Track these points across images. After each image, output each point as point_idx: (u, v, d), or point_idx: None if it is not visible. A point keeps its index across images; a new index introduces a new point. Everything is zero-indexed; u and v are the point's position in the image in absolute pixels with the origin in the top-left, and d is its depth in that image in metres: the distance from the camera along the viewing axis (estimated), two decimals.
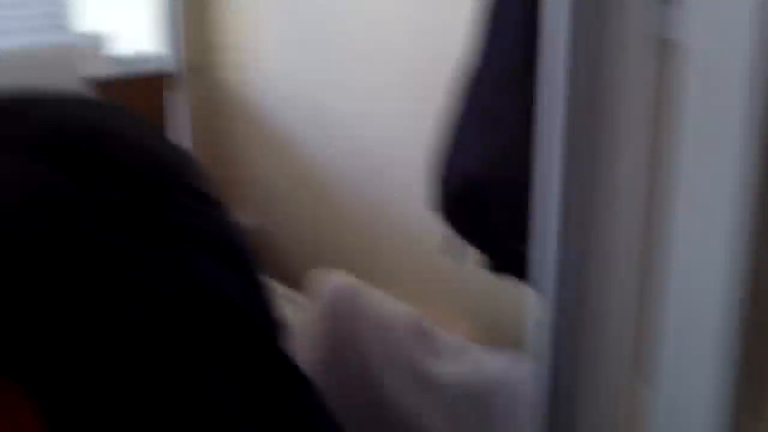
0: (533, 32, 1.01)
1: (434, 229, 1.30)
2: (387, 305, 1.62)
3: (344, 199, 1.92)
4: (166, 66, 2.09)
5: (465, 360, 1.52)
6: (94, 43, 1.91)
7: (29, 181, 0.67)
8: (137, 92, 2.03)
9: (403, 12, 1.65)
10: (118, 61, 1.97)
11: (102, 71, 1.92)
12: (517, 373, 1.41)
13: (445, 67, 1.30)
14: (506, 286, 1.29)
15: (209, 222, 0.74)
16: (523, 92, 1.03)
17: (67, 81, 1.83)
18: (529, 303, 1.11)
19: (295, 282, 1.83)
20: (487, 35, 1.13)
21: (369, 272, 1.77)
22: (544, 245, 0.93)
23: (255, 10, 2.03)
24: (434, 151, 1.23)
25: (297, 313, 1.65)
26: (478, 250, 1.24)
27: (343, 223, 1.93)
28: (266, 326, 0.68)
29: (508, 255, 1.17)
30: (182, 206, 0.75)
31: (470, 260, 1.27)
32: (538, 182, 0.94)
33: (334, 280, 1.65)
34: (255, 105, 2.07)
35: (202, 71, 2.13)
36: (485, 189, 1.15)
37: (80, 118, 0.77)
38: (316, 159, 1.95)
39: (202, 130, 2.16)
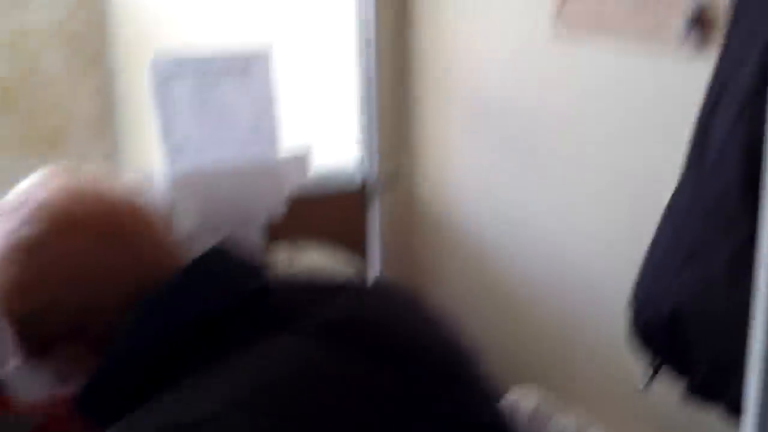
0: (752, 156, 0.97)
1: (632, 352, 1.26)
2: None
3: (538, 316, 1.89)
4: (362, 180, 2.18)
5: None
6: (296, 159, 2.02)
7: (338, 372, 0.79)
8: (335, 206, 2.12)
9: (606, 126, 1.64)
10: (318, 176, 2.07)
11: (303, 186, 2.02)
12: None
13: (651, 185, 1.27)
14: (710, 420, 1.22)
15: (482, 414, 0.85)
16: (739, 222, 0.99)
17: (271, 196, 1.93)
18: None
19: None
20: (696, 156, 1.10)
21: (563, 390, 1.72)
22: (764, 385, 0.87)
23: (450, 123, 2.09)
24: (636, 274, 1.20)
25: None
26: (681, 381, 1.18)
27: (537, 339, 1.90)
28: None
29: (714, 388, 1.12)
30: (460, 399, 0.86)
31: (670, 390, 1.22)
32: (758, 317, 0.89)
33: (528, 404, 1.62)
34: (449, 218, 2.10)
35: (397, 184, 2.19)
36: (688, 321, 1.10)
37: (373, 310, 0.91)
38: (509, 273, 1.94)
39: (396, 243, 2.21)
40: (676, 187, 1.14)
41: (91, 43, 3.38)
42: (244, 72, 1.96)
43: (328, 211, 2.08)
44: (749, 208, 0.95)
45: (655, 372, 1.21)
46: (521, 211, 1.89)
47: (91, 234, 0.92)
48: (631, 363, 1.30)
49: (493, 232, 1.98)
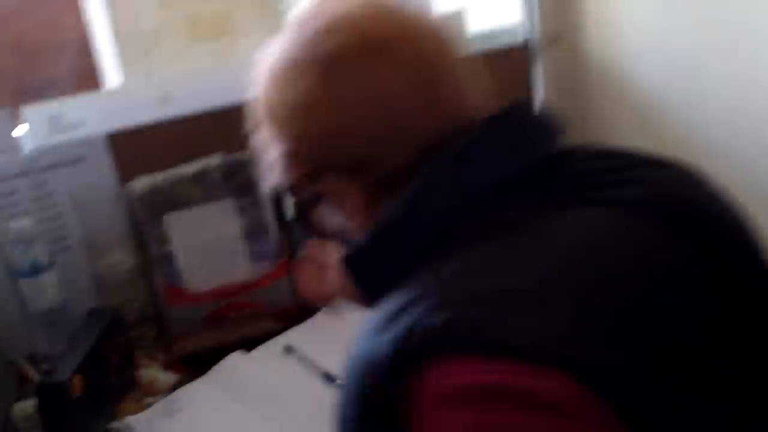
0: None
1: None
2: None
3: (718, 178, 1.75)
4: (525, 38, 2.07)
5: None
6: (452, 22, 1.94)
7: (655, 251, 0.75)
8: (497, 66, 2.02)
9: None
10: (476, 37, 1.98)
11: (461, 47, 1.93)
12: None
13: None
14: None
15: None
16: None
17: None
18: None
19: None
20: None
21: None
22: None
23: None
24: None
25: None
26: None
27: None
28: None
29: None
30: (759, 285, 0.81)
31: None
32: None
33: None
34: (617, 74, 1.98)
35: (561, 41, 2.08)
36: None
37: (673, 186, 0.86)
38: (684, 132, 1.81)
39: (562, 101, 2.12)
40: None
41: None
42: None
43: (490, 72, 1.99)
44: None
45: None
46: (695, 69, 1.73)
47: (395, 58, 0.80)
48: None
49: (666, 90, 1.84)
